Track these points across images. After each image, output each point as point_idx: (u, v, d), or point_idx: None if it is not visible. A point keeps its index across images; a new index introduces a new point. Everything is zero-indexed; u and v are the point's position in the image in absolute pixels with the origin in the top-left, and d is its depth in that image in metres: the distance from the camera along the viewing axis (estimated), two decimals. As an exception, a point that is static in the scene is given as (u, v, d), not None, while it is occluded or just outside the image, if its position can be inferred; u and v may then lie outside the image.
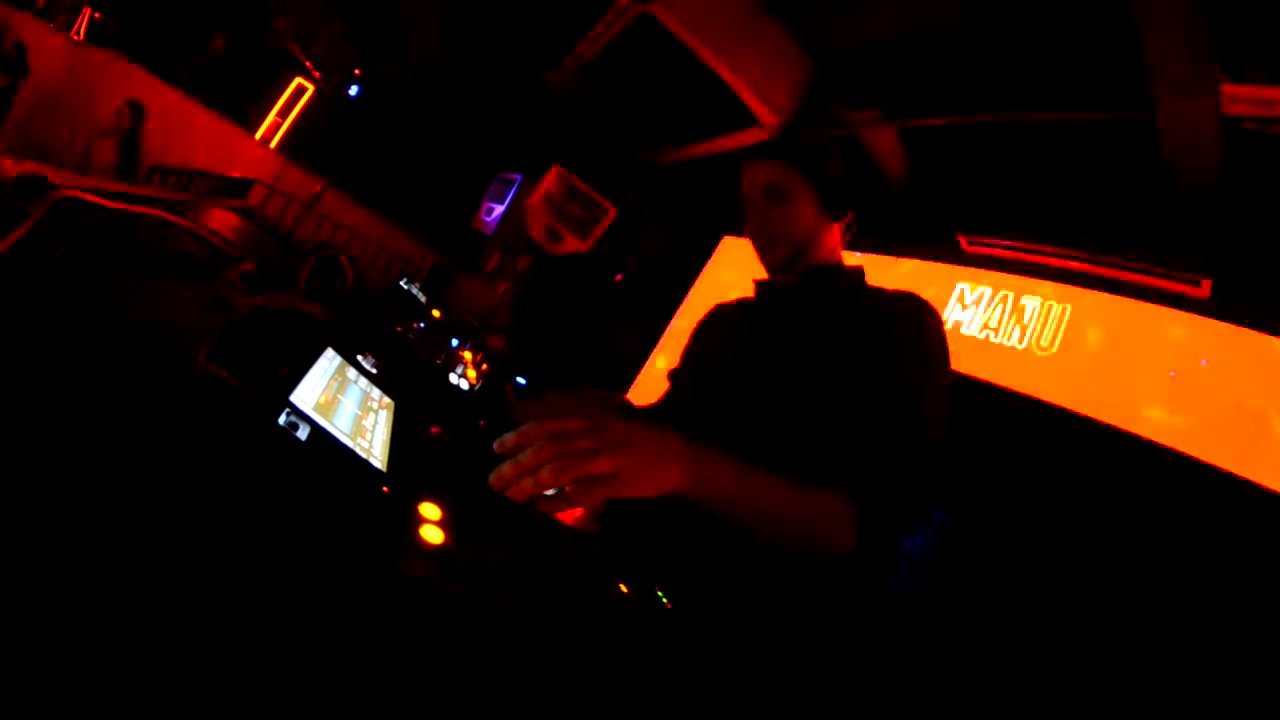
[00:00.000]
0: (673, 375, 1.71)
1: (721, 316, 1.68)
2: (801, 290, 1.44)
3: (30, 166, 1.16)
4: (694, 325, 1.73)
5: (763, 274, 1.56)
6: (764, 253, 1.47)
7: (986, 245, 4.59)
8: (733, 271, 6.24)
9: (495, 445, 0.79)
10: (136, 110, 6.21)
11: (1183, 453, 3.31)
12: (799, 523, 1.02)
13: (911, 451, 1.14)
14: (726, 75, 5.26)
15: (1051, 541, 3.42)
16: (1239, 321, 3.42)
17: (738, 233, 6.29)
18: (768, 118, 5.39)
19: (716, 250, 6.53)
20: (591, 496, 0.77)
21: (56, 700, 0.41)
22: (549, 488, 0.76)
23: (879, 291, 1.40)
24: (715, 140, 6.32)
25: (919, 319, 1.28)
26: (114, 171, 6.02)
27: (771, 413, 1.28)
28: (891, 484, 1.10)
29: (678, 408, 1.54)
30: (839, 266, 1.47)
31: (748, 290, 1.67)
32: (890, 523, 1.09)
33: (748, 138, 5.70)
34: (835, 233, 1.47)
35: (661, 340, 6.44)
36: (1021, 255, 4.43)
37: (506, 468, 0.77)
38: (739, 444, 1.01)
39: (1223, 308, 3.51)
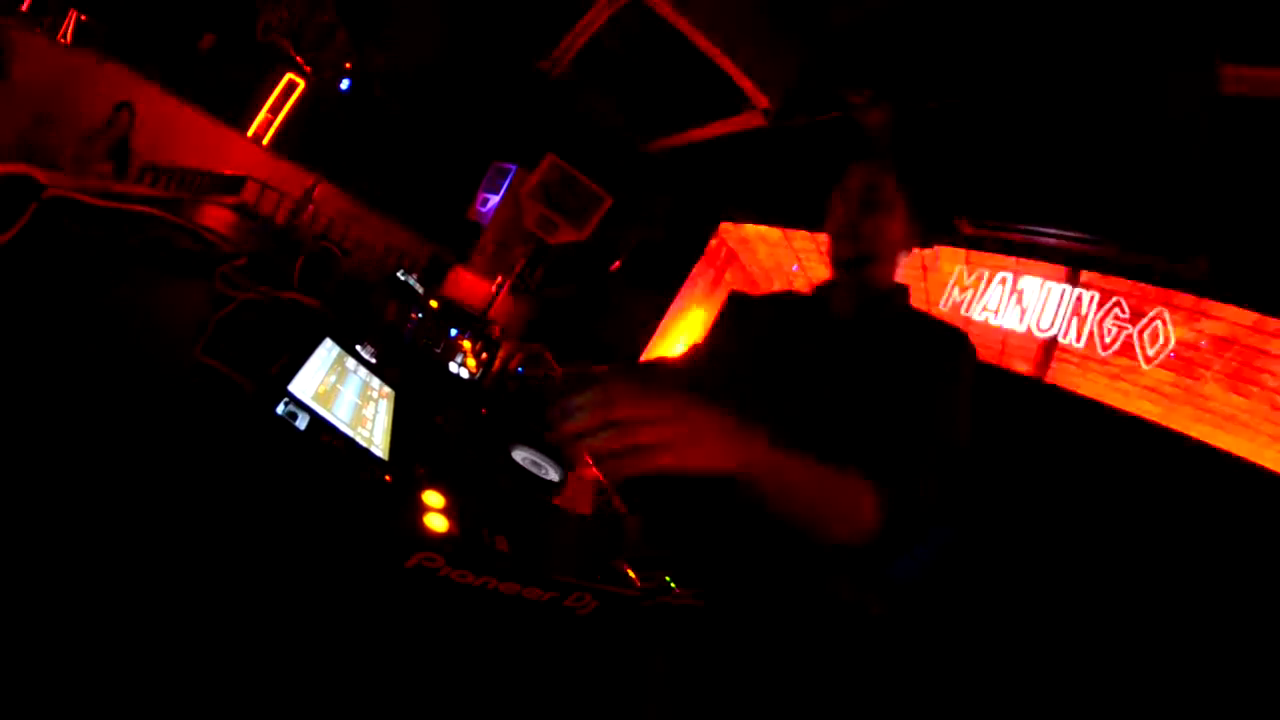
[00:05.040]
0: (694, 352, 1.74)
1: (756, 313, 1.71)
2: (857, 322, 1.51)
3: (18, 168, 1.15)
4: (714, 311, 1.81)
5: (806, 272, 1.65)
6: (837, 246, 1.52)
7: (986, 229, 4.58)
8: (745, 257, 6.22)
9: (558, 406, 0.82)
10: (128, 110, 6.22)
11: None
12: (823, 500, 1.07)
13: (940, 461, 1.23)
14: (719, 58, 5.23)
15: (1065, 537, 3.42)
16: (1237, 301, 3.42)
17: (733, 219, 6.27)
18: (762, 100, 5.36)
19: (717, 233, 6.51)
20: (639, 464, 0.79)
21: (57, 694, 0.40)
22: (605, 451, 0.79)
23: (925, 321, 1.48)
24: (710, 125, 6.28)
25: (961, 356, 1.38)
26: (110, 172, 6.03)
27: (809, 423, 1.32)
28: (919, 481, 1.19)
29: (701, 386, 1.56)
30: (892, 293, 1.52)
31: (753, 283, 1.72)
32: (911, 513, 1.16)
33: (742, 121, 5.68)
34: (904, 259, 1.54)
35: (660, 326, 6.43)
36: (1023, 238, 4.42)
37: (568, 424, 0.81)
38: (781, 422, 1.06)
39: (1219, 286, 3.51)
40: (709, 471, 0.85)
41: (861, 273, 1.49)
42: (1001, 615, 3.27)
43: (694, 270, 6.55)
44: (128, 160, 6.32)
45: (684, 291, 6.51)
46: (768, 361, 1.51)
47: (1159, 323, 3.66)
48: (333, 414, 0.79)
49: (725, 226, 6.47)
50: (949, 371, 1.34)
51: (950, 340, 1.41)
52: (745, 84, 5.32)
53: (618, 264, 7.19)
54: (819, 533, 1.11)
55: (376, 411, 0.94)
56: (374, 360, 1.10)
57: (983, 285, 4.55)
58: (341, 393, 0.88)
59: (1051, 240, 4.25)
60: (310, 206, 7.05)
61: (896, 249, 1.50)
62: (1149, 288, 3.76)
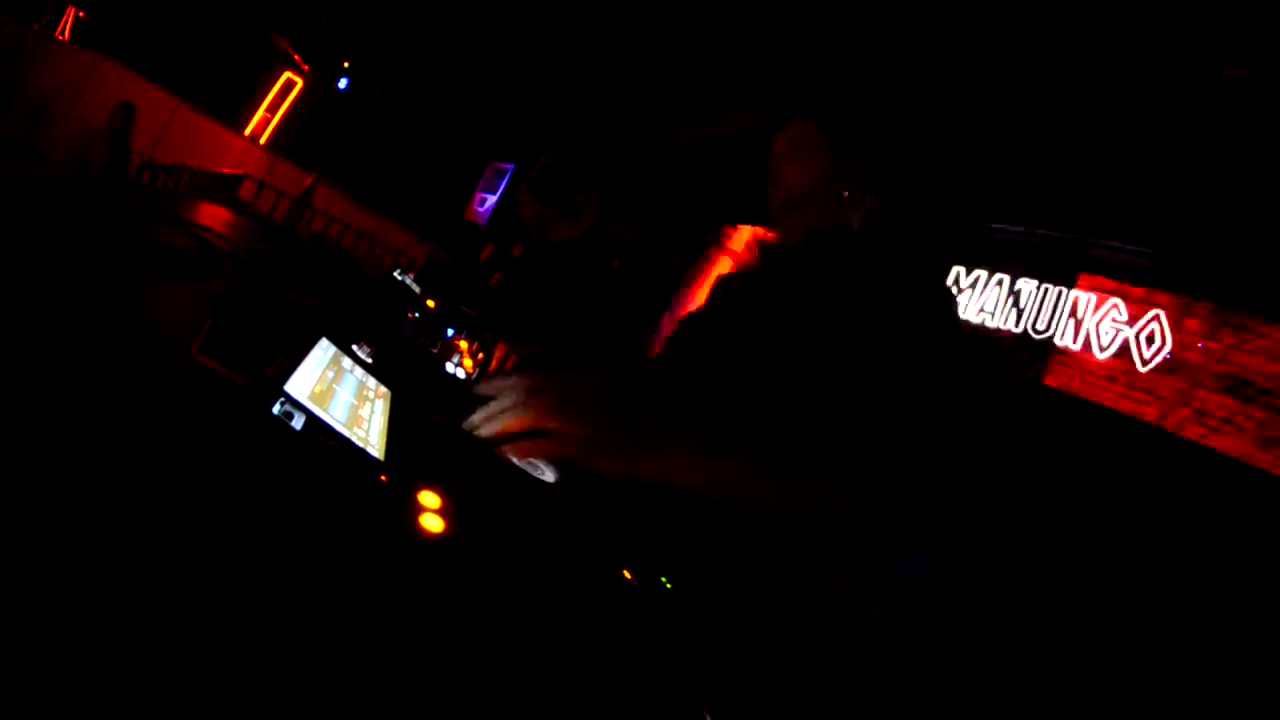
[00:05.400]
0: (672, 339, 1.70)
1: (728, 285, 1.65)
2: (804, 251, 1.38)
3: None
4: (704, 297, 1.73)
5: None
6: (770, 200, 1.42)
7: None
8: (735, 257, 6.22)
9: (473, 389, 0.80)
10: (128, 111, 6.19)
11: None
12: (780, 504, 0.97)
13: (938, 437, 1.07)
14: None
15: (1055, 529, 3.43)
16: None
17: (735, 223, 6.28)
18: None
19: (721, 235, 6.49)
20: (539, 449, 0.77)
21: (52, 687, 0.40)
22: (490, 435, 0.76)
23: (890, 261, 1.31)
24: (710, 127, 6.28)
25: (934, 299, 1.21)
26: (104, 170, 5.98)
27: (769, 379, 1.22)
28: (896, 467, 1.02)
29: (680, 370, 1.50)
30: (844, 230, 1.39)
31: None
32: (898, 501, 1.04)
33: (742, 121, 5.67)
34: (845, 200, 1.40)
35: (661, 326, 6.43)
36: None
37: (475, 416, 0.78)
38: (737, 410, 0.97)
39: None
40: (623, 476, 0.81)
41: (794, 216, 1.39)
42: (1002, 618, 3.27)
43: (694, 271, 6.55)
44: (127, 159, 6.29)
45: (685, 292, 6.51)
46: (723, 325, 1.42)
47: (1155, 325, 3.66)
48: (329, 414, 0.79)
49: (728, 229, 6.47)
50: (924, 320, 1.17)
51: (920, 280, 1.23)
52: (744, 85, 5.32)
53: (617, 262, 7.17)
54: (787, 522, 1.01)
55: (373, 411, 0.94)
56: (370, 360, 1.10)
57: (980, 287, 4.55)
58: (338, 392, 0.88)
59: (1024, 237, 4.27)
60: (307, 206, 7.05)
61: (828, 188, 1.38)
62: (1146, 291, 3.77)
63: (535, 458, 0.78)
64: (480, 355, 1.57)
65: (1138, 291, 3.82)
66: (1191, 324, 3.54)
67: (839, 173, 1.38)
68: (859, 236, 1.38)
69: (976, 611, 3.28)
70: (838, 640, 1.27)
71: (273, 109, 8.82)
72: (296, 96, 8.87)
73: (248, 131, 8.63)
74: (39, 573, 0.46)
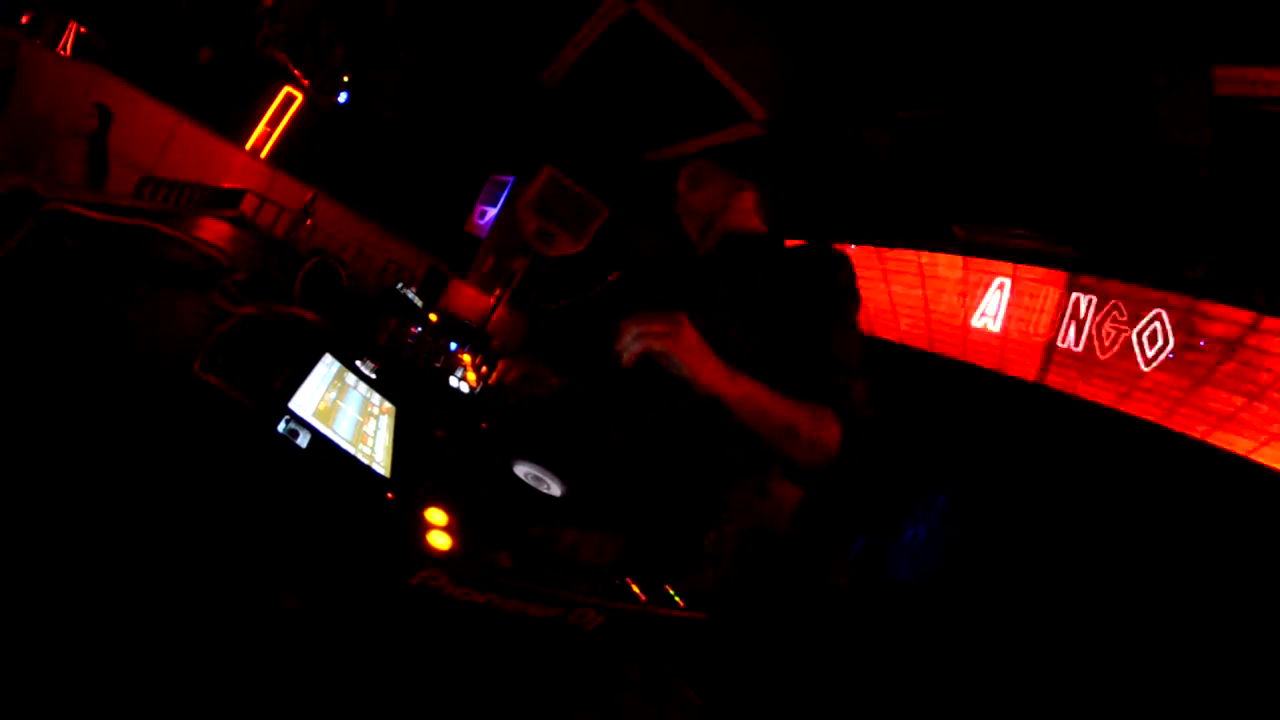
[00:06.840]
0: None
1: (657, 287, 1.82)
2: (718, 253, 1.65)
3: (18, 180, 1.14)
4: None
5: None
6: (688, 227, 1.78)
7: (983, 233, 4.57)
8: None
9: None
10: (104, 114, 5.98)
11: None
12: (772, 420, 1.24)
13: (855, 381, 1.35)
14: (715, 70, 5.25)
15: (1061, 523, 3.42)
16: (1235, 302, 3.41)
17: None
18: (758, 111, 5.38)
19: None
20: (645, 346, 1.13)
21: (57, 705, 0.40)
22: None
23: (794, 249, 1.56)
24: (709, 136, 6.30)
25: (826, 266, 1.48)
26: (83, 179, 5.78)
27: (746, 342, 1.43)
28: (857, 405, 1.32)
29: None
30: (751, 233, 1.66)
31: None
32: (860, 436, 1.28)
33: (740, 132, 5.70)
34: (744, 203, 1.68)
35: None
36: (1019, 243, 4.41)
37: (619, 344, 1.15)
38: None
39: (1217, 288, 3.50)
40: (692, 379, 1.15)
41: (712, 230, 1.67)
42: (1004, 617, 3.26)
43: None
44: (104, 166, 6.05)
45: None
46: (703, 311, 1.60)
47: (1157, 324, 3.66)
48: (334, 431, 0.79)
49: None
50: (841, 290, 1.46)
51: (828, 259, 1.50)
52: (741, 95, 5.34)
53: (615, 275, 7.18)
54: (786, 456, 1.28)
55: (378, 428, 0.93)
56: (374, 375, 1.10)
57: (980, 291, 4.55)
58: (342, 409, 0.88)
59: (1048, 246, 4.25)
60: (309, 220, 7.06)
61: (728, 199, 1.68)
62: (1147, 290, 3.76)
63: (657, 347, 1.13)
64: (484, 369, 1.57)
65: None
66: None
67: (730, 185, 1.67)
68: (761, 236, 1.66)
69: (982, 614, 3.26)
70: (839, 639, 1.34)
71: (273, 123, 8.85)
72: (296, 111, 8.90)
73: (248, 146, 8.66)
74: (41, 593, 0.46)
